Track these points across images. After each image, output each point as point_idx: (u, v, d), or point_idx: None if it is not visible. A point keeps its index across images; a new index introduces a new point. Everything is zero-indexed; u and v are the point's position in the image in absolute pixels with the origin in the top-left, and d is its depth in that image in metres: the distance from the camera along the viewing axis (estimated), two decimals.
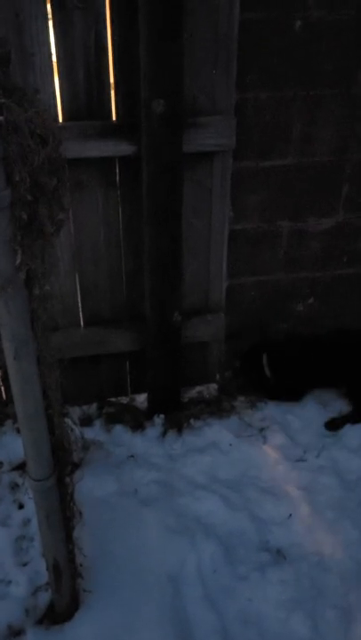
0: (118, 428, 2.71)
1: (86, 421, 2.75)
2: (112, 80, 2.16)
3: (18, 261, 1.22)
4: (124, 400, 2.92)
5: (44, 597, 1.93)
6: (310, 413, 2.84)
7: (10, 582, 2.00)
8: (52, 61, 2.11)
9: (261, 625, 1.88)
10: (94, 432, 2.68)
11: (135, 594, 1.95)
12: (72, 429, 2.48)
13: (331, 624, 1.90)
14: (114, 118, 2.21)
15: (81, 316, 2.64)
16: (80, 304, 2.62)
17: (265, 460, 2.55)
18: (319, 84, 2.44)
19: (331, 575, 2.05)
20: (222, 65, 2.22)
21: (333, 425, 2.76)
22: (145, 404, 2.88)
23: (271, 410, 2.85)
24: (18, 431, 2.51)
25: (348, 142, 2.62)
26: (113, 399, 2.91)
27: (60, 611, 1.87)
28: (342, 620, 1.91)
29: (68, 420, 2.56)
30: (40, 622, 1.87)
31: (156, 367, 2.73)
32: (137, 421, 2.76)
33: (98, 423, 2.75)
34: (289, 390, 2.91)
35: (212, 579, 2.02)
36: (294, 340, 2.98)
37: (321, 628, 1.88)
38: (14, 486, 2.38)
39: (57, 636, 1.82)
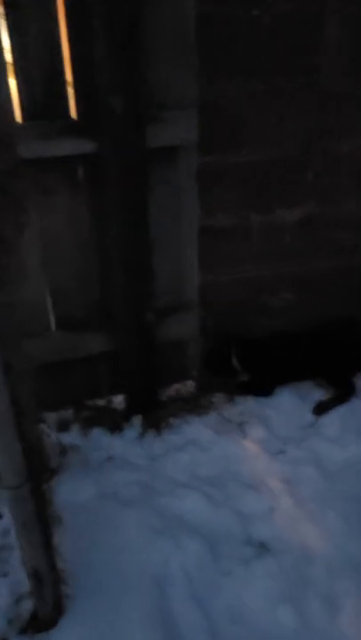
0: (96, 431, 2.68)
1: (63, 426, 2.71)
2: (70, 77, 2.12)
3: None
4: (101, 402, 2.88)
5: (27, 606, 1.89)
6: (289, 406, 2.84)
7: None
8: (5, 61, 2.06)
9: (248, 619, 1.88)
10: (71, 436, 2.64)
11: (120, 596, 1.93)
12: (48, 435, 2.46)
13: (317, 614, 1.90)
14: (74, 116, 2.18)
15: (52, 319, 2.60)
16: (50, 308, 2.58)
17: (245, 454, 2.54)
18: (283, 76, 2.44)
19: (316, 566, 2.05)
20: (182, 58, 2.20)
21: (320, 408, 2.78)
22: (122, 406, 2.85)
23: (250, 404, 2.85)
24: None
25: (314, 133, 2.63)
26: (89, 402, 2.87)
27: (44, 618, 1.84)
28: (329, 609, 1.91)
29: (43, 426, 2.54)
30: (24, 631, 1.84)
31: (131, 367, 2.71)
32: (115, 423, 2.74)
33: (75, 427, 2.71)
34: (259, 384, 2.91)
35: (197, 576, 2.01)
36: (264, 335, 2.95)
37: (308, 619, 1.88)
38: None
39: None
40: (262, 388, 2.90)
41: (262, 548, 2.12)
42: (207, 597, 1.95)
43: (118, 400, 2.88)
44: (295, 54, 2.41)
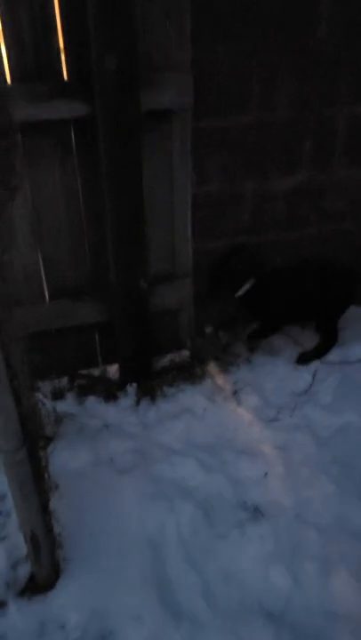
0: (91, 400, 2.69)
1: (58, 395, 2.72)
2: (61, 36, 2.06)
3: None
4: (96, 372, 2.89)
5: (25, 570, 1.92)
6: (283, 374, 2.86)
7: None
8: None
9: (242, 580, 1.91)
10: (67, 405, 2.65)
11: (116, 559, 1.95)
12: (43, 404, 2.46)
13: (310, 575, 1.93)
14: (65, 77, 2.12)
15: (45, 288, 2.58)
16: (44, 276, 2.55)
17: (239, 422, 2.56)
18: (279, 38, 2.38)
19: (308, 529, 2.09)
20: (176, 18, 2.14)
21: (303, 359, 2.89)
22: (117, 375, 2.86)
23: (243, 372, 2.86)
24: None
25: (309, 97, 2.58)
26: (84, 371, 2.88)
27: (42, 581, 1.87)
28: (321, 570, 1.94)
29: (39, 395, 2.54)
30: (22, 594, 1.87)
31: (125, 336, 2.70)
32: (109, 392, 2.74)
33: (70, 396, 2.72)
34: (269, 327, 3.02)
35: (192, 540, 2.04)
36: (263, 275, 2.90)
37: (301, 580, 1.92)
38: None
39: (40, 605, 1.82)
40: (272, 330, 3.00)
41: (256, 512, 2.15)
42: (201, 560, 1.98)
43: (113, 369, 2.89)
44: (291, 15, 2.35)
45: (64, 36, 2.06)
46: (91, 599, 1.84)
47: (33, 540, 1.75)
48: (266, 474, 2.30)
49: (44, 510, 1.76)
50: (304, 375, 2.82)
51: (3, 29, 1.99)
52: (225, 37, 2.31)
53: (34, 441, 1.64)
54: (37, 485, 1.68)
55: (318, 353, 2.92)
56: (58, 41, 2.06)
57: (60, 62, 2.09)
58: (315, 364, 2.89)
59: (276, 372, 2.86)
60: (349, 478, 2.26)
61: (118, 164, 2.22)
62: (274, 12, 2.32)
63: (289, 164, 2.74)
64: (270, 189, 2.78)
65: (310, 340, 3.02)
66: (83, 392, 2.74)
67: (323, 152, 2.76)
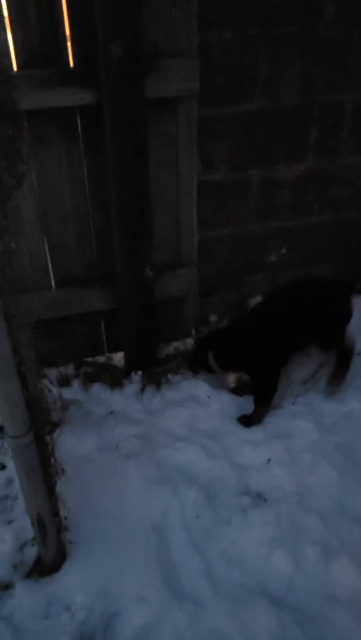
0: (97, 387, 2.72)
1: (64, 382, 2.75)
2: (67, 23, 2.05)
3: None
4: (102, 359, 2.91)
5: (32, 552, 1.96)
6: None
7: None
8: (1, 7, 1.99)
9: (245, 564, 1.94)
10: (73, 392, 2.68)
11: (121, 543, 1.99)
12: (50, 390, 2.49)
13: (311, 560, 1.96)
14: (71, 65, 2.12)
15: (52, 275, 2.60)
16: (50, 264, 2.57)
17: (243, 409, 2.58)
18: (285, 22, 2.36)
19: (310, 514, 2.11)
20: (182, 3, 2.12)
21: (244, 421, 2.53)
22: (122, 362, 2.88)
23: None
24: None
25: (316, 84, 2.57)
26: (90, 359, 2.90)
27: (48, 563, 1.90)
28: (322, 555, 1.97)
29: (45, 381, 2.56)
30: (28, 576, 1.91)
31: (130, 324, 2.72)
32: (115, 379, 2.77)
33: (76, 383, 2.74)
34: (264, 393, 2.55)
35: (196, 524, 2.07)
36: (238, 327, 2.60)
37: (302, 564, 1.95)
38: None
39: (46, 587, 1.86)
40: (271, 386, 2.52)
41: (259, 497, 2.18)
42: (205, 543, 2.01)
43: (118, 357, 2.91)
44: (298, 3, 2.33)
45: (70, 23, 2.05)
46: (96, 581, 1.88)
47: (39, 524, 1.78)
48: (269, 460, 2.32)
49: (51, 494, 1.79)
50: (307, 363, 2.83)
51: (9, 16, 1.98)
52: (231, 23, 2.29)
53: (40, 426, 1.67)
54: (44, 470, 1.71)
55: (253, 421, 2.51)
56: (64, 27, 2.05)
57: (66, 49, 2.09)
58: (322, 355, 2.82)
59: None
60: (352, 465, 2.29)
61: (124, 151, 2.22)
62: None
63: (295, 152, 2.73)
64: (276, 177, 2.77)
65: None
66: (88, 379, 2.76)
67: (329, 139, 2.74)
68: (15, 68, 2.06)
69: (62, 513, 1.91)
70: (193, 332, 3.02)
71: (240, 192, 2.76)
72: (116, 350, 2.93)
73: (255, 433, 2.46)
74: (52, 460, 1.80)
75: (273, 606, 1.80)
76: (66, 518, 1.95)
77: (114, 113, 2.12)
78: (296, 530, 2.05)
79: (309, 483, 2.23)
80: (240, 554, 1.98)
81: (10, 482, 2.21)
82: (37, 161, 2.28)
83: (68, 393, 2.65)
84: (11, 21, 1.97)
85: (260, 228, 2.91)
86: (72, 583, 1.87)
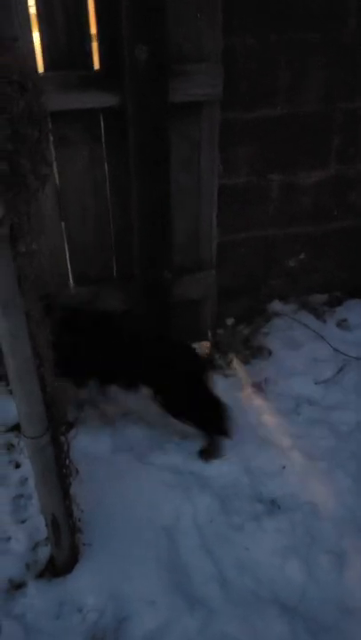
0: (112, 388, 2.71)
1: (80, 382, 2.74)
2: (94, 27, 2.06)
3: (0, 215, 1.18)
4: None
5: (44, 552, 1.97)
6: (303, 367, 2.85)
7: (9, 539, 2.03)
8: (29, 9, 2.01)
9: (257, 571, 1.93)
10: (88, 392, 2.68)
11: (133, 545, 1.99)
12: (66, 390, 2.49)
13: (325, 569, 1.95)
14: (96, 67, 2.13)
15: (70, 275, 2.61)
16: (69, 263, 2.58)
17: (259, 413, 2.57)
18: (308, 29, 2.36)
19: (324, 523, 2.10)
20: (207, 9, 2.12)
21: (205, 454, 2.37)
22: None
23: (264, 365, 2.86)
24: (11, 393, 2.51)
25: (339, 91, 2.55)
26: None
27: (61, 564, 1.91)
28: (336, 564, 1.96)
29: (61, 381, 2.56)
30: (41, 575, 1.91)
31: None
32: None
33: (92, 383, 2.74)
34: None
35: (208, 529, 2.06)
36: None
37: (315, 573, 1.93)
38: (10, 447, 2.40)
39: (58, 588, 1.87)
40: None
41: (273, 504, 2.16)
42: (217, 549, 2.00)
43: None
44: (321, 5, 2.32)
45: (97, 27, 2.06)
46: (108, 583, 1.88)
47: (53, 524, 1.79)
48: (284, 467, 2.31)
49: (65, 495, 1.79)
50: (325, 369, 2.81)
51: (37, 21, 1.99)
52: (254, 30, 2.29)
53: (57, 427, 1.67)
54: (59, 470, 1.71)
55: (213, 454, 2.35)
56: (90, 30, 2.06)
57: (92, 51, 2.10)
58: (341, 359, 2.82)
59: (297, 366, 2.86)
60: None
61: (146, 153, 2.22)
62: (304, 2, 2.29)
63: (316, 158, 2.72)
64: (296, 183, 2.76)
65: (333, 332, 3.00)
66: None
67: (351, 146, 2.72)
68: (41, 68, 2.07)
69: (76, 514, 1.92)
70: (210, 335, 3.01)
71: (260, 197, 2.75)
72: None
73: (270, 439, 2.44)
74: (67, 461, 1.80)
75: (285, 614, 1.79)
76: (79, 519, 1.95)
77: (138, 116, 2.12)
78: (310, 538, 2.04)
79: (324, 491, 2.21)
80: (253, 561, 1.97)
81: (24, 481, 2.22)
82: (59, 162, 2.30)
83: (83, 393, 2.65)
84: (39, 19, 1.98)
85: (280, 232, 2.89)
86: (84, 585, 1.87)
